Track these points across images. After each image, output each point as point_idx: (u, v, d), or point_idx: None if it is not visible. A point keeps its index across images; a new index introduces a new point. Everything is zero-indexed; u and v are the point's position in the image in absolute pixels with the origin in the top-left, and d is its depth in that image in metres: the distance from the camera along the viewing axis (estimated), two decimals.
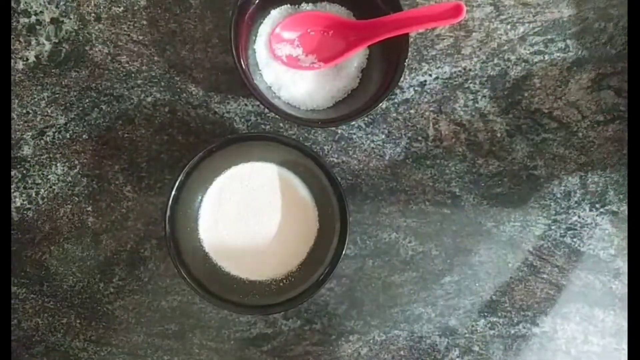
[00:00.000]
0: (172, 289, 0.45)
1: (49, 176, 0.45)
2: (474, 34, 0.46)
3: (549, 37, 0.46)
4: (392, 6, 0.40)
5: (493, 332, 0.47)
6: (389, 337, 0.46)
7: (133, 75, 0.45)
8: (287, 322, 0.46)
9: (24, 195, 0.45)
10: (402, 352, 0.47)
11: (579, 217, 0.47)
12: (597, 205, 0.47)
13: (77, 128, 0.45)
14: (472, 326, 0.47)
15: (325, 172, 0.40)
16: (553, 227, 0.47)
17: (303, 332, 0.46)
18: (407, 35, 0.40)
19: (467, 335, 0.47)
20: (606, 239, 0.47)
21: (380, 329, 0.46)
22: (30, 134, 0.44)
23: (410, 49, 0.46)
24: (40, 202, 0.45)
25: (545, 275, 0.47)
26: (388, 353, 0.47)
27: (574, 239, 0.47)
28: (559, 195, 0.47)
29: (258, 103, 0.45)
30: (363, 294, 0.46)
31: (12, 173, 0.45)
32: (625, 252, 0.47)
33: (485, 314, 0.47)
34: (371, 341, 0.46)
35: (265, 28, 0.44)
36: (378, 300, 0.46)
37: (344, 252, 0.40)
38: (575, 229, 0.47)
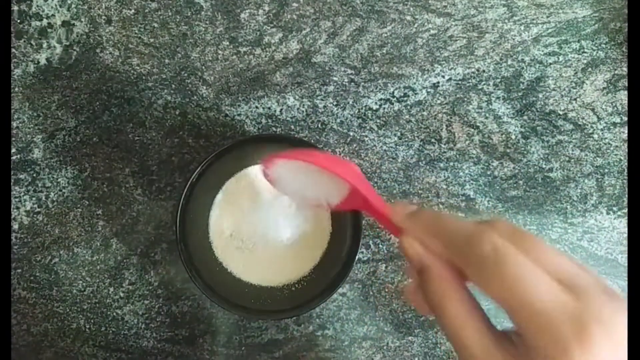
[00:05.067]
0: (182, 294, 0.45)
1: (59, 179, 0.44)
2: (487, 35, 0.46)
3: (563, 38, 0.46)
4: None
5: None
6: (402, 343, 0.46)
7: (144, 77, 0.44)
8: (299, 327, 0.45)
9: (33, 198, 0.44)
10: (416, 359, 0.46)
11: (596, 220, 0.46)
12: (615, 209, 0.46)
13: (87, 131, 0.44)
14: None
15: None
16: (569, 231, 0.46)
17: (315, 338, 0.45)
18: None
19: None
20: (624, 242, 0.46)
21: (394, 335, 0.46)
22: (40, 137, 0.44)
23: (422, 50, 0.45)
24: (50, 205, 0.44)
25: None
26: (402, 359, 0.46)
27: (591, 243, 0.46)
28: (575, 198, 0.46)
29: (269, 105, 0.45)
30: (376, 299, 0.45)
31: (22, 176, 0.44)
32: None
33: (502, 319, 0.46)
34: (385, 347, 0.46)
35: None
36: (391, 305, 0.45)
37: (357, 257, 0.39)
38: (592, 233, 0.46)
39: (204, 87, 0.45)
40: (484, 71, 0.46)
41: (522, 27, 0.46)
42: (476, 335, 0.23)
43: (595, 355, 0.20)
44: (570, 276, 0.23)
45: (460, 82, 0.46)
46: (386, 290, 0.45)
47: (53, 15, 0.44)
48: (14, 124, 0.44)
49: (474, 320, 0.24)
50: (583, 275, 0.23)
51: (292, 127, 0.45)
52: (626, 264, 0.46)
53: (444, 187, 0.46)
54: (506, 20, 0.46)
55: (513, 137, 0.46)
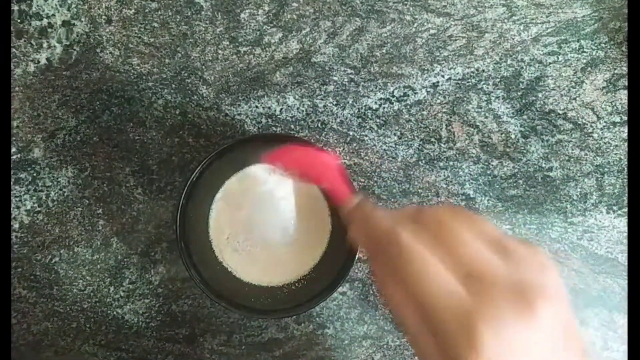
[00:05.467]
0: (182, 293, 0.45)
1: (60, 179, 0.45)
2: (486, 34, 0.46)
3: (562, 37, 0.46)
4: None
5: None
6: (403, 342, 0.46)
7: (144, 77, 0.45)
8: (299, 326, 0.45)
9: (34, 198, 0.44)
10: (416, 358, 0.46)
11: (596, 219, 0.46)
12: (615, 208, 0.46)
13: (87, 130, 0.45)
14: None
15: None
16: (569, 230, 0.46)
17: (315, 337, 0.45)
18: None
19: None
20: (624, 242, 0.46)
21: (394, 334, 0.46)
22: (40, 136, 0.44)
23: (422, 50, 0.45)
24: (51, 205, 0.45)
25: (562, 279, 0.46)
26: (402, 359, 0.46)
27: (591, 242, 0.46)
28: (575, 197, 0.46)
29: (269, 105, 0.45)
30: (376, 298, 0.45)
31: (23, 175, 0.44)
32: None
33: None
34: (385, 346, 0.46)
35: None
36: None
37: (357, 256, 0.39)
38: (592, 232, 0.46)
39: (204, 87, 0.45)
40: (483, 71, 0.46)
41: (522, 27, 0.46)
42: (411, 319, 0.24)
43: (485, 358, 0.20)
44: (480, 268, 0.23)
45: (459, 82, 0.46)
46: None
47: (53, 15, 0.44)
48: (14, 124, 0.44)
49: (408, 306, 0.24)
50: (495, 268, 0.23)
51: (292, 126, 0.45)
52: (626, 263, 0.46)
53: (444, 186, 0.46)
54: (505, 20, 0.46)
55: (513, 136, 0.46)
